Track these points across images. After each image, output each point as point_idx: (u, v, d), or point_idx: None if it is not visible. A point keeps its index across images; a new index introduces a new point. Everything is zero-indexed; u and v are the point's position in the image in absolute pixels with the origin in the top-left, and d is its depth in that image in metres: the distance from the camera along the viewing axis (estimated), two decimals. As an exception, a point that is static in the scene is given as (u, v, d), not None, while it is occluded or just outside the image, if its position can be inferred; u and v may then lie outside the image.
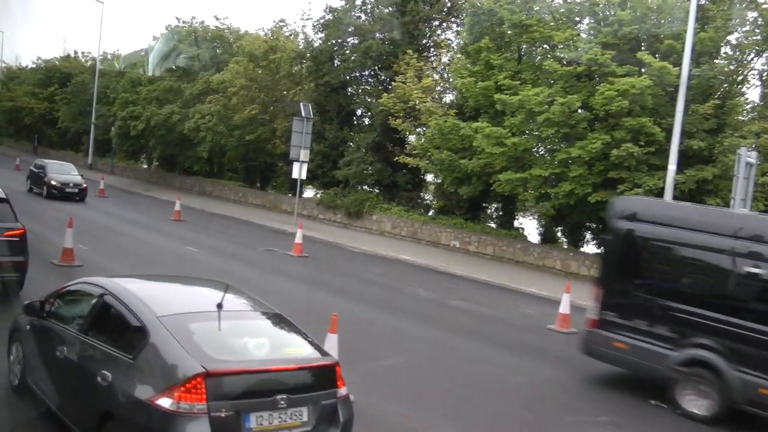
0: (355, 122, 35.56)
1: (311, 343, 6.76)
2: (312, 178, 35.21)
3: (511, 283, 21.78)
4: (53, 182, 30.20)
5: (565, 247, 28.64)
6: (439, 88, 29.45)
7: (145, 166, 53.48)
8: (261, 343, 6.54)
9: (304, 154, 29.89)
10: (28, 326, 7.88)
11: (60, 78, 64.83)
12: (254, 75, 35.01)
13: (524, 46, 26.69)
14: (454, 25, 33.75)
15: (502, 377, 11.53)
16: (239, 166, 45.56)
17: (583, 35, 24.58)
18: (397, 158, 28.72)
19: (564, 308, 15.91)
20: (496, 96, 23.89)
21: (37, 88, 65.74)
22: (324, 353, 6.78)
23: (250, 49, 34.91)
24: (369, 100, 32.15)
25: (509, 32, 26.13)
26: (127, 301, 6.55)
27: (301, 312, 8.38)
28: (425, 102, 27.87)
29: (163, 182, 45.37)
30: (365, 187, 32.30)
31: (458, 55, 27.42)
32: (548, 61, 23.98)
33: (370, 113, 32.54)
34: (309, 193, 39.23)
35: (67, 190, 30.30)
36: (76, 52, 69.97)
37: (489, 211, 32.14)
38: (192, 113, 38.66)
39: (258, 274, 18.31)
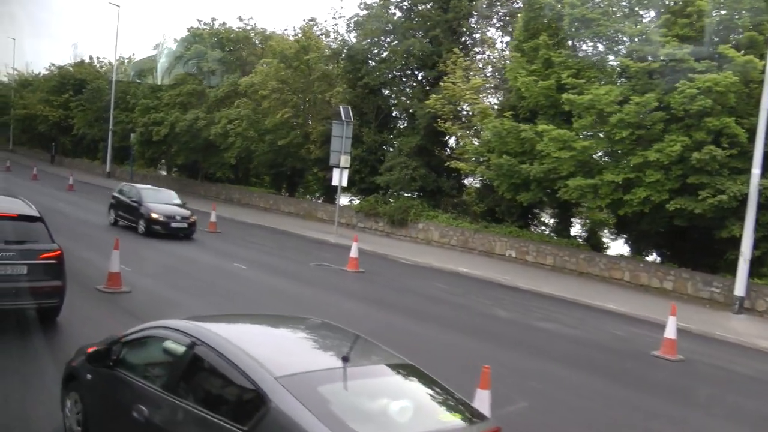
0: (393, 125, 33.70)
1: (463, 403, 5.48)
2: (348, 185, 33.37)
3: (585, 298, 20.02)
4: (154, 215, 23.18)
5: (625, 255, 26.68)
6: (488, 87, 27.49)
7: (164, 173, 51.78)
8: (404, 407, 5.06)
9: (345, 160, 28.11)
10: (90, 376, 6.54)
11: (74, 84, 63.25)
12: (285, 77, 33.19)
13: (586, 42, 24.79)
14: (495, 20, 31.92)
15: (648, 423, 9.72)
16: (265, 172, 43.88)
17: (654, 28, 22.68)
18: (447, 163, 26.89)
19: (670, 333, 14.18)
20: (564, 96, 22.02)
21: (51, 95, 64.15)
22: (482, 417, 5.49)
23: (281, 49, 33.11)
24: (410, 101, 30.25)
25: (568, 28, 24.29)
26: (229, 355, 5.22)
27: (383, 340, 6.57)
28: (478, 103, 26.03)
29: (186, 190, 43.52)
30: (406, 193, 30.41)
31: (514, 53, 25.46)
32: (619, 57, 22.09)
33: (413, 116, 30.62)
34: (343, 199, 37.41)
35: (173, 224, 23.51)
36: (91, 58, 68.35)
37: (542, 217, 30.24)
38: (218, 118, 36.91)
39: (317, 293, 16.60)
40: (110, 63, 58.38)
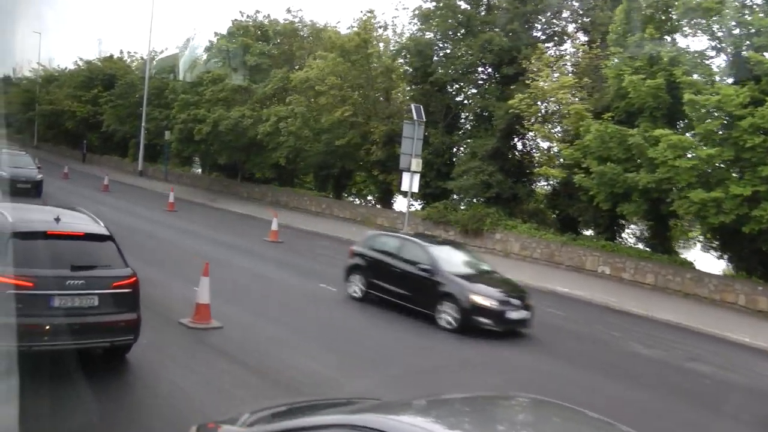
0: (461, 126, 31.16)
1: None
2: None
3: (711, 328, 17.54)
4: (479, 299, 13.38)
5: (735, 275, 24.00)
6: (576, 86, 24.83)
7: (199, 171, 49.38)
8: None
9: (417, 163, 25.58)
10: None
11: (103, 79, 61.04)
12: (345, 72, 30.69)
13: (697, 34, 22.20)
14: (572, 14, 29.34)
15: None
16: (314, 173, 41.44)
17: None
18: (536, 170, 24.30)
19: None
20: (687, 96, 19.39)
21: (79, 91, 61.89)
22: None
23: (341, 42, 30.60)
24: (486, 100, 27.66)
25: (680, 17, 21.75)
26: None
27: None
28: (570, 103, 23.44)
29: (226, 191, 41.20)
30: (479, 200, 27.87)
31: (614, 49, 22.83)
32: (750, 52, 19.45)
33: (486, 116, 28.06)
34: (399, 205, 34.92)
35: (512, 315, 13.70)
36: (121, 52, 66.15)
37: (627, 228, 27.65)
38: (266, 115, 34.43)
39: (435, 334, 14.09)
40: (142, 57, 56.12)
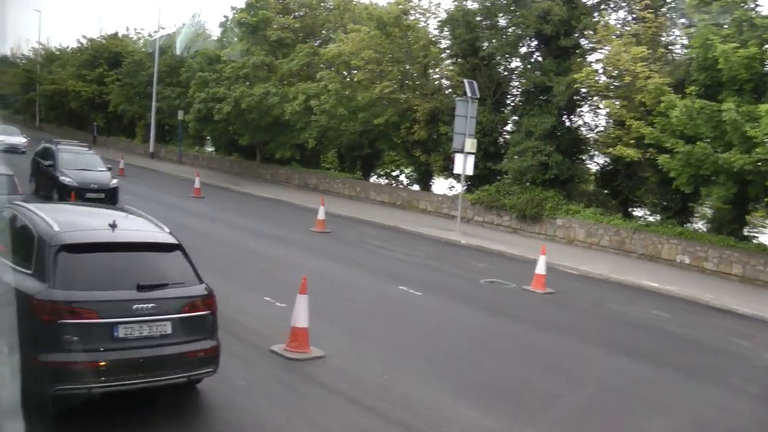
0: (511, 103, 28.88)
1: None
2: (451, 171, 28.66)
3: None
4: None
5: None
6: (649, 57, 22.52)
7: (214, 153, 47.01)
8: None
9: (471, 144, 23.50)
10: None
11: (108, 58, 58.50)
12: (383, 46, 28.34)
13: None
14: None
15: None
16: (334, 153, 39.24)
17: None
18: (610, 150, 22.07)
19: None
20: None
21: (83, 70, 59.33)
22: None
23: (379, 14, 28.20)
24: (544, 75, 25.33)
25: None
26: None
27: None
28: (648, 77, 21.18)
29: (247, 174, 38.92)
30: (536, 182, 25.68)
31: (700, 16, 20.52)
32: None
33: (542, 91, 25.77)
34: (438, 186, 32.76)
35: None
36: (128, 29, 63.53)
37: (699, 212, 25.52)
38: (293, 93, 32.09)
39: (517, 327, 12.10)
40: (150, 35, 53.53)
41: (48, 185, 21.43)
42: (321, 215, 21.67)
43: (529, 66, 25.93)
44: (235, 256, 16.25)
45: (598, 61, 22.34)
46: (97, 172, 22.00)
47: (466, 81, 23.77)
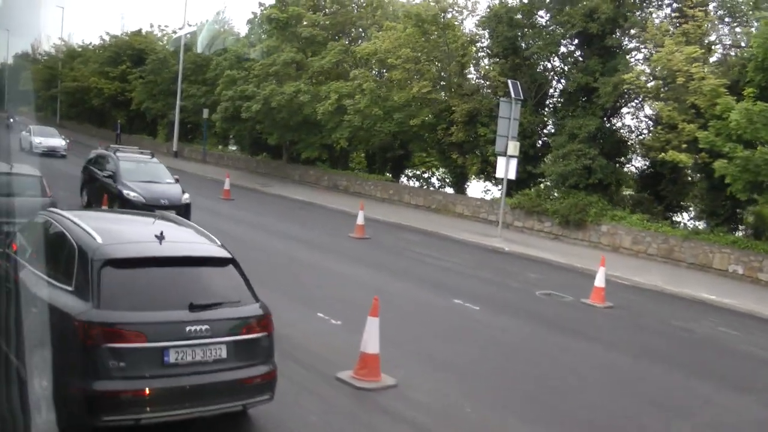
0: (550, 104, 28.03)
1: None
2: (487, 174, 27.92)
3: None
4: None
5: None
6: (701, 58, 21.59)
7: (239, 153, 46.34)
8: None
9: (514, 147, 22.65)
10: None
11: (131, 55, 58.10)
12: (421, 44, 27.54)
13: None
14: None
15: None
16: (361, 154, 38.50)
17: None
18: (661, 154, 21.17)
19: None
20: None
21: (106, 67, 58.96)
22: None
23: (417, 11, 27.40)
24: (590, 76, 24.45)
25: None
26: None
27: None
28: (703, 78, 20.27)
29: (275, 174, 38.23)
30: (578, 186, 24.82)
31: (762, 13, 19.62)
32: None
33: (585, 92, 24.90)
34: (472, 190, 31.95)
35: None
36: (152, 26, 63.06)
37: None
38: (324, 92, 31.33)
39: (594, 348, 11.29)
40: (174, 31, 52.96)
41: (107, 199, 18.18)
42: (360, 220, 20.88)
43: (573, 66, 24.88)
44: (277, 264, 15.48)
45: (646, 60, 21.33)
46: (166, 185, 19.08)
47: (509, 81, 22.94)
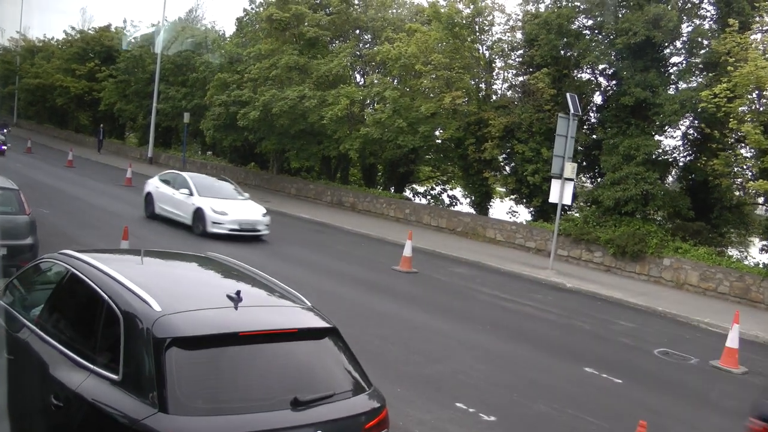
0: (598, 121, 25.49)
1: None
2: (529, 196, 25.25)
3: None
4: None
5: None
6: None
7: (221, 160, 42.93)
8: None
9: (571, 169, 20.03)
10: None
11: (100, 52, 54.30)
12: (453, 49, 24.75)
13: None
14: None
15: None
16: (356, 166, 35.64)
17: None
18: (750, 184, 18.70)
19: None
20: None
21: (72, 64, 54.89)
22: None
23: (449, 13, 24.59)
24: (653, 91, 21.95)
25: None
26: None
27: None
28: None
29: (268, 186, 35.02)
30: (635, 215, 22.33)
31: None
32: None
33: (643, 108, 22.42)
34: (497, 209, 29.27)
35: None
36: (125, 21, 59.27)
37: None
38: (333, 97, 28.28)
39: None
40: (152, 25, 49.12)
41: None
42: (407, 251, 17.93)
43: (630, 78, 22.29)
44: (335, 311, 12.50)
45: (725, 77, 18.86)
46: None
47: (568, 95, 20.26)
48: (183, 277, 5.94)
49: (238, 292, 4.79)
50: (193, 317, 4.57)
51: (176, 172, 21.58)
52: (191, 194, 19.23)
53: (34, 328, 5.25)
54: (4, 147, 32.90)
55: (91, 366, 4.50)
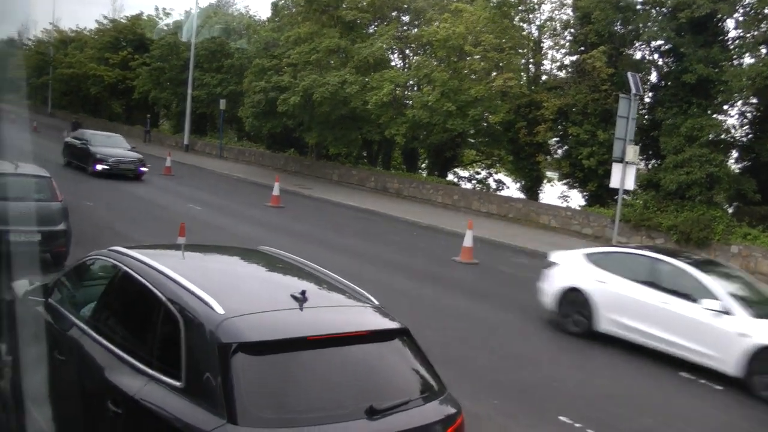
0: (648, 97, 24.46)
1: None
2: (583, 180, 24.35)
3: None
4: None
5: None
6: None
7: (259, 147, 42.37)
8: None
9: (633, 152, 19.11)
10: None
11: (132, 41, 53.95)
12: (504, 29, 23.84)
13: None
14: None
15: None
16: (399, 151, 34.91)
17: None
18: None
19: None
20: None
21: (106, 53, 54.61)
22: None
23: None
24: (719, 67, 20.90)
25: None
26: None
27: None
28: None
29: (309, 173, 34.36)
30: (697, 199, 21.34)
31: None
32: None
33: (703, 86, 21.36)
34: (547, 194, 28.36)
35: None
36: (157, 9, 58.88)
37: None
38: (376, 81, 27.48)
39: None
40: (186, 12, 48.54)
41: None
42: (468, 242, 17.17)
43: (690, 55, 21.23)
44: (401, 309, 11.80)
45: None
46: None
47: (629, 74, 19.35)
48: (240, 274, 5.57)
49: (303, 292, 4.47)
50: (258, 320, 4.23)
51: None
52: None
53: (86, 328, 4.98)
54: (144, 169, 25.72)
55: (150, 371, 4.22)
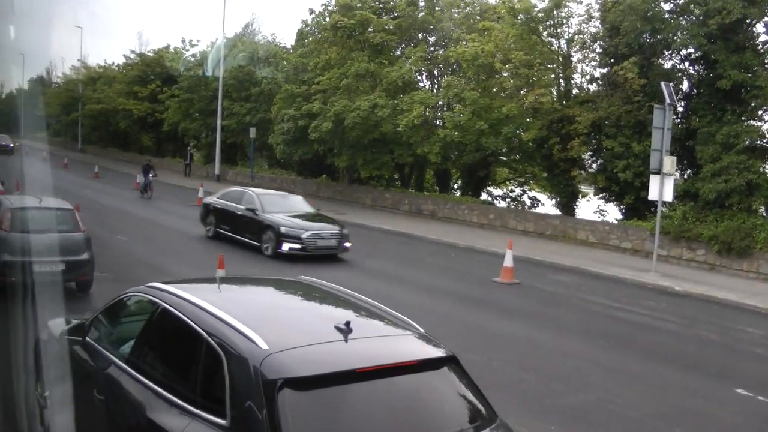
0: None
1: None
2: (620, 194, 24.20)
3: None
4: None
5: None
6: None
7: (290, 174, 42.66)
8: None
9: (670, 163, 18.96)
10: None
11: (160, 73, 54.73)
12: (533, 45, 23.87)
13: None
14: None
15: None
16: (431, 173, 34.95)
17: None
18: None
19: None
20: None
21: (134, 87, 55.44)
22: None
23: (526, 7, 23.71)
24: (749, 73, 20.76)
25: None
26: None
27: None
28: None
29: (342, 198, 34.53)
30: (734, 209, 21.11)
31: None
32: None
33: (736, 92, 21.20)
34: (583, 209, 28.21)
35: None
36: (183, 41, 59.74)
37: None
38: (406, 104, 27.61)
39: None
40: (211, 44, 49.20)
41: None
42: (509, 262, 17.09)
43: (723, 61, 21.10)
44: (445, 333, 11.77)
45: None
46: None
47: (663, 84, 19.30)
48: (281, 306, 5.50)
49: (347, 323, 4.37)
50: (303, 354, 4.13)
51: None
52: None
53: (125, 366, 4.94)
54: (347, 244, 18.69)
55: (193, 409, 4.15)
